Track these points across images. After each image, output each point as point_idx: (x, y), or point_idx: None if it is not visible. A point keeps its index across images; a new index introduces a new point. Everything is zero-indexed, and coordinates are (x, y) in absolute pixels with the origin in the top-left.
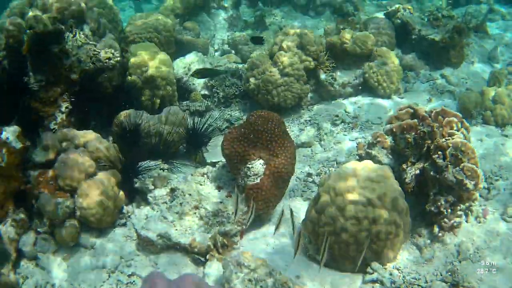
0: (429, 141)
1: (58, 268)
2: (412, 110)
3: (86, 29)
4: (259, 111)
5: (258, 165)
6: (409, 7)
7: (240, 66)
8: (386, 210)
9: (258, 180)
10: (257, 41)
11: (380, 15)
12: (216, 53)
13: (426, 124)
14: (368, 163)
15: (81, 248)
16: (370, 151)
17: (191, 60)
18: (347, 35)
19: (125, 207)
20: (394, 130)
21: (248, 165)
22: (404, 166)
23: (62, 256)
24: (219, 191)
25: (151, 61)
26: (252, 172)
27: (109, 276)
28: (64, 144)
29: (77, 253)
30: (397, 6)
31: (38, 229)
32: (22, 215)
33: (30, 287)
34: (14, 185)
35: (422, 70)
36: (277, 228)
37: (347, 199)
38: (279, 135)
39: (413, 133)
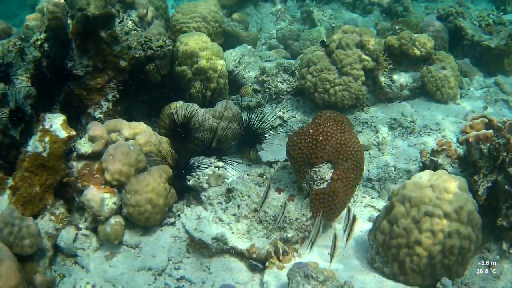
0: (504, 154)
1: (99, 267)
2: (487, 120)
3: (133, 14)
4: (328, 111)
5: (325, 169)
6: (462, 11)
7: (292, 62)
8: (462, 224)
9: (325, 185)
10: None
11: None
12: (263, 47)
13: (501, 135)
14: (443, 174)
15: (125, 247)
16: (434, 158)
17: (242, 53)
18: (406, 36)
19: (174, 205)
20: (469, 140)
21: (314, 169)
22: (476, 177)
23: (104, 254)
24: (279, 193)
25: (202, 51)
26: (319, 176)
27: (156, 278)
28: (112, 135)
29: (121, 252)
30: (450, 9)
31: (79, 225)
32: (61, 209)
33: (68, 287)
34: (55, 177)
35: (476, 76)
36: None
37: (423, 211)
38: (349, 138)
39: (488, 144)
